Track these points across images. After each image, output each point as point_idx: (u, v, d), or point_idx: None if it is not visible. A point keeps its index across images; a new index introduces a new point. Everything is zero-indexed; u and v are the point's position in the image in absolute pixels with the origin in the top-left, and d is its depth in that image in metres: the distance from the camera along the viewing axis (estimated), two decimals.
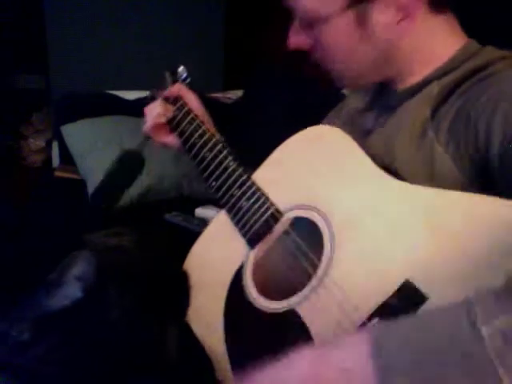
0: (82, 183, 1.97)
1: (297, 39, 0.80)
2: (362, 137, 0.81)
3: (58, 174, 2.20)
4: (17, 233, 1.72)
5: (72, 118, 2.14)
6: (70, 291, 0.75)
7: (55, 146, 2.39)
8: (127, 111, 2.10)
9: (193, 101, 1.00)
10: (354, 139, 0.76)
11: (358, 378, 0.46)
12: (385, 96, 0.83)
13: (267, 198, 0.80)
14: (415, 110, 0.74)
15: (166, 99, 1.01)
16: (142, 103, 1.10)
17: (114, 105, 2.26)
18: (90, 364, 0.70)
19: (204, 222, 1.56)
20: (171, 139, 1.00)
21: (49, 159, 2.60)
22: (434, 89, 0.73)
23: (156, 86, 1.09)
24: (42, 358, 0.69)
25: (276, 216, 0.79)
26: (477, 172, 0.66)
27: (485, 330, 0.42)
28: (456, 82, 0.72)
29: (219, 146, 0.89)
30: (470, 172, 0.66)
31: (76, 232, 0.99)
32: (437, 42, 0.76)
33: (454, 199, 0.63)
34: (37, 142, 3.10)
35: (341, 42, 0.76)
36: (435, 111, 0.72)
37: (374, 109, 0.85)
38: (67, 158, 2.16)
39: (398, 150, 0.73)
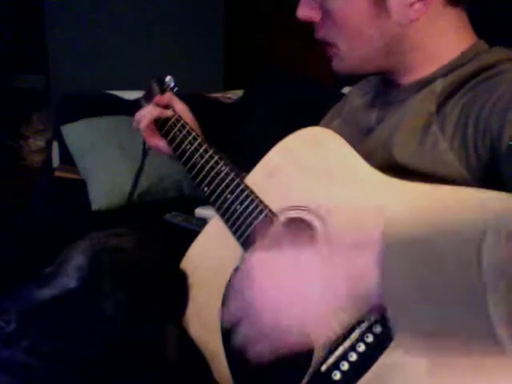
0: (82, 183, 1.97)
1: (307, 10, 0.77)
2: (364, 134, 0.81)
3: (57, 174, 2.20)
4: (17, 233, 1.72)
5: (72, 118, 2.14)
6: (63, 281, 0.74)
7: (55, 146, 2.39)
8: (127, 111, 2.08)
9: (183, 110, 1.01)
10: (352, 138, 0.75)
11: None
12: (387, 93, 0.83)
13: (260, 201, 0.80)
14: (418, 106, 0.73)
15: (157, 106, 1.02)
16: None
17: (114, 105, 2.26)
18: (81, 357, 0.69)
19: (204, 222, 1.55)
20: (163, 143, 1.01)
21: (49, 159, 2.59)
22: (439, 86, 0.73)
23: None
24: (29, 349, 0.68)
25: (270, 218, 0.79)
26: (483, 169, 0.66)
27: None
28: (462, 79, 0.72)
29: (210, 152, 0.89)
30: (476, 169, 0.66)
31: (76, 232, 0.99)
32: (444, 39, 0.75)
33: (440, 191, 0.64)
34: (37, 142, 3.09)
35: (354, 17, 0.74)
36: (440, 107, 0.71)
37: (376, 106, 0.84)
38: (67, 158, 2.16)
39: (398, 143, 0.73)
